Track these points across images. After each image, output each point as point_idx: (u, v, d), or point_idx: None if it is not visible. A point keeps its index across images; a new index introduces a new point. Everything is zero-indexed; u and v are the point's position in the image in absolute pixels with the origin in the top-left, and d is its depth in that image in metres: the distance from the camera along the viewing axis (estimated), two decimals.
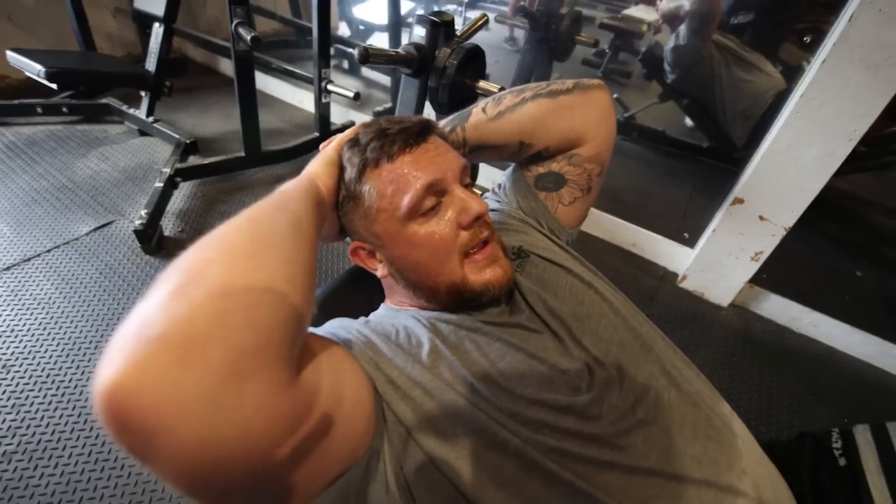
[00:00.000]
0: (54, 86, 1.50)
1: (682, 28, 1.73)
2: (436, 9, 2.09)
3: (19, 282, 1.25)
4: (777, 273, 1.40)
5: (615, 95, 2.17)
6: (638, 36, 2.24)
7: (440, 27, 1.07)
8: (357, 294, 0.67)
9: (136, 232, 1.35)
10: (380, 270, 0.57)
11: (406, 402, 0.44)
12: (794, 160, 1.18)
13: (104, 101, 2.02)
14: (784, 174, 1.21)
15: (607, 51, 2.42)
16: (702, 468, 0.45)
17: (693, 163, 2.00)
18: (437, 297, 0.54)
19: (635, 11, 2.27)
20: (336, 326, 0.51)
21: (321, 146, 0.57)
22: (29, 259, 1.33)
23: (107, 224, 1.48)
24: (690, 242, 1.53)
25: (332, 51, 1.78)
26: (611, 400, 0.47)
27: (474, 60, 1.10)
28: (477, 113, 0.63)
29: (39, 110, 1.93)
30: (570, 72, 2.45)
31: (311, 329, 0.49)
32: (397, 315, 0.55)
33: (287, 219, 0.39)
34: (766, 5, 1.66)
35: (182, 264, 0.31)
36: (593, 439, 0.44)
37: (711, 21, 1.69)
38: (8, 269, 1.29)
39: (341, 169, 0.54)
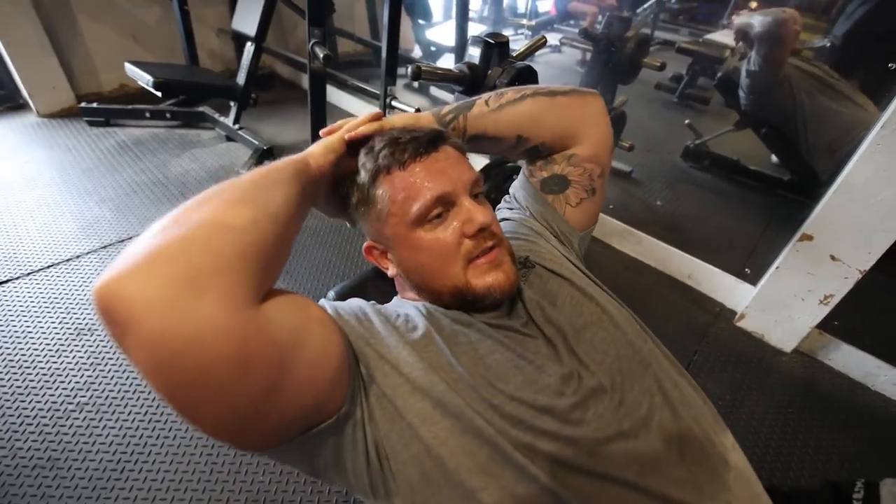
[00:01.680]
0: (159, 93, 1.74)
1: (753, 53, 1.66)
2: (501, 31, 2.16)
3: (113, 259, 1.45)
4: (851, 321, 1.28)
5: (686, 121, 2.09)
6: (719, 61, 2.17)
7: (494, 47, 1.12)
8: (369, 292, 0.72)
9: None
10: (391, 269, 0.61)
11: (393, 378, 0.47)
12: (872, 196, 1.09)
13: (201, 109, 2.30)
14: (860, 212, 1.11)
15: (684, 75, 2.36)
16: (681, 491, 0.45)
17: (771, 197, 1.88)
18: (442, 300, 0.57)
19: (718, 36, 2.20)
20: (342, 302, 0.56)
21: (322, 132, 0.61)
22: (123, 240, 1.55)
23: None
24: (752, 279, 1.44)
25: (402, 70, 1.91)
26: (598, 409, 0.48)
27: (526, 80, 1.14)
28: (480, 104, 0.66)
29: (147, 115, 2.24)
30: (641, 95, 2.40)
31: (323, 302, 0.55)
32: (404, 304, 0.59)
33: (266, 182, 0.46)
34: (861, 29, 1.55)
35: (171, 213, 0.39)
36: (570, 442, 0.45)
37: (781, 46, 1.60)
38: (105, 247, 1.52)
39: (354, 172, 0.58)
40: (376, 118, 0.61)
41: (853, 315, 1.25)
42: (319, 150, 0.56)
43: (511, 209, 0.75)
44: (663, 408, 0.50)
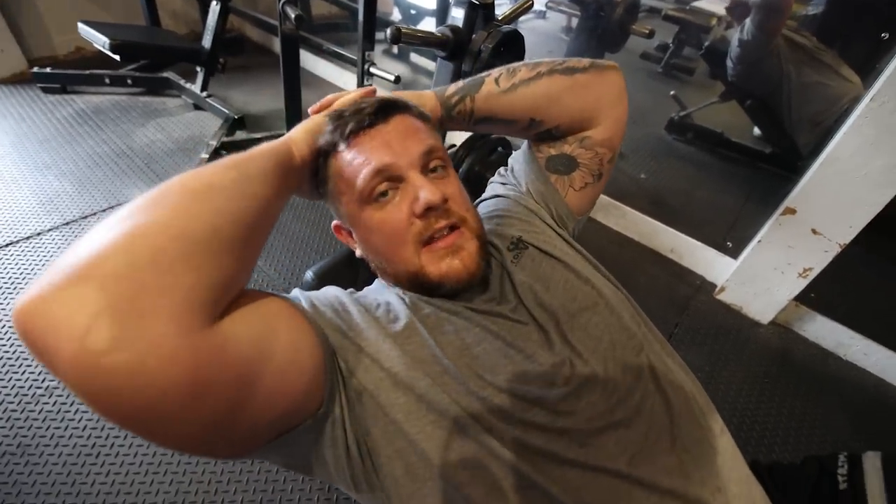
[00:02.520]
0: (117, 57, 1.63)
1: (748, 21, 1.64)
2: None
3: (76, 236, 1.39)
4: (827, 293, 1.31)
5: (672, 92, 2.08)
6: (705, 30, 2.13)
7: (478, 9, 1.06)
8: (352, 271, 0.69)
9: None
10: (357, 250, 0.59)
11: (374, 372, 0.45)
12: (857, 170, 1.10)
13: (165, 75, 2.17)
14: (844, 185, 1.13)
15: (671, 45, 2.32)
16: (671, 479, 0.44)
17: (752, 170, 1.89)
18: (402, 284, 0.55)
19: (706, 4, 2.16)
20: (318, 292, 0.53)
21: (310, 110, 0.58)
22: (87, 216, 1.48)
23: None
24: (733, 252, 1.46)
25: (381, 35, 1.83)
26: (590, 398, 0.47)
27: (512, 45, 1.09)
28: (489, 83, 0.62)
29: (107, 81, 2.10)
30: (626, 64, 2.35)
31: (297, 293, 0.51)
32: (384, 291, 0.56)
33: (232, 175, 0.41)
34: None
35: (120, 209, 0.34)
36: (561, 434, 0.44)
37: (779, 15, 1.58)
38: (68, 223, 1.44)
39: None
40: (369, 95, 0.57)
41: (829, 287, 1.28)
42: (302, 135, 0.53)
43: (505, 184, 0.71)
44: (655, 394, 0.49)
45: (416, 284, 0.53)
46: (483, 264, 0.54)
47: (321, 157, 0.54)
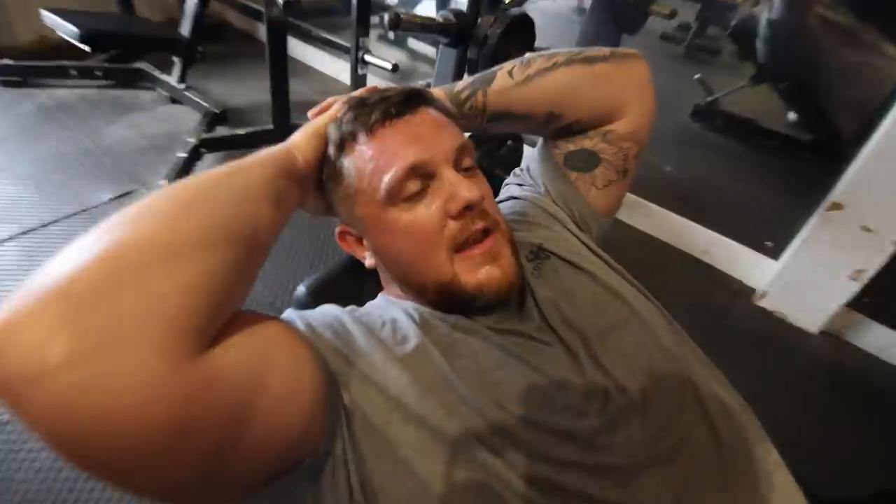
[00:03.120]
0: (88, 48, 1.60)
1: None
2: None
3: (36, 246, 1.35)
4: (885, 298, 1.27)
5: (697, 75, 2.05)
6: (731, 7, 2.11)
7: None
8: (355, 285, 0.66)
9: None
10: (367, 259, 0.57)
11: (380, 403, 0.43)
12: None
13: (138, 65, 2.15)
14: None
15: (692, 24, 2.30)
16: None
17: (790, 160, 1.86)
18: (427, 297, 0.52)
19: None
20: (314, 312, 0.51)
21: (310, 113, 0.56)
22: (48, 224, 1.43)
23: (127, 193, 1.57)
24: (774, 253, 1.43)
25: (376, 20, 1.80)
26: (628, 430, 0.45)
27: (522, 30, 1.07)
28: (502, 76, 0.62)
29: (74, 73, 2.07)
30: (646, 47, 2.33)
31: (291, 314, 0.49)
32: (390, 307, 0.54)
33: (232, 184, 0.40)
34: None
35: (104, 221, 0.33)
36: (597, 472, 0.42)
37: None
38: (26, 232, 1.40)
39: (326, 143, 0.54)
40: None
41: (886, 291, 1.23)
42: (307, 139, 0.51)
43: (521, 185, 0.70)
44: (702, 424, 0.48)
45: (446, 296, 0.51)
46: (521, 274, 0.53)
47: (336, 149, 0.52)
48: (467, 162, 0.53)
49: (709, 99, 1.99)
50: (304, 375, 0.40)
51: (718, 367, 0.55)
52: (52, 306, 0.28)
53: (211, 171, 0.41)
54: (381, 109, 0.50)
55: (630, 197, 1.65)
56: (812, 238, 1.27)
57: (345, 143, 0.51)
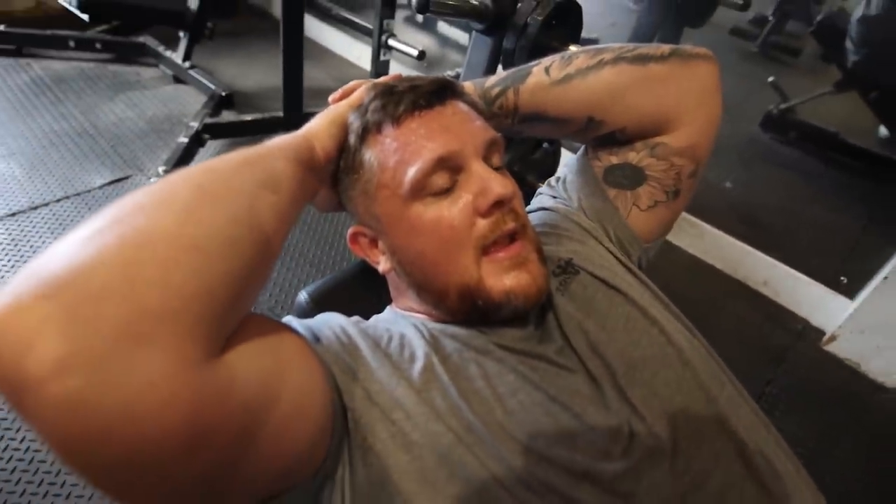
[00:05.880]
0: (86, 17, 1.69)
1: None
2: None
3: (22, 231, 1.43)
4: None
5: (770, 78, 2.03)
6: (818, 0, 2.09)
7: None
8: (360, 294, 0.68)
9: None
10: (382, 264, 0.58)
11: (383, 424, 0.44)
12: None
13: (141, 39, 2.24)
14: None
15: (770, 18, 2.29)
16: None
17: (877, 182, 1.84)
18: (446, 303, 0.54)
19: None
20: (317, 320, 0.53)
21: (331, 98, 0.58)
22: (37, 207, 1.51)
23: (123, 178, 1.64)
24: (849, 291, 1.42)
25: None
26: (654, 476, 0.45)
27: (567, 18, 1.08)
28: (538, 73, 0.62)
29: (72, 44, 2.17)
30: (712, 43, 2.31)
31: (291, 321, 0.51)
32: (398, 321, 0.56)
33: (253, 175, 0.41)
34: None
35: (112, 207, 0.34)
36: None
37: None
38: (13, 214, 1.48)
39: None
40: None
41: None
42: (326, 127, 0.53)
43: (555, 197, 0.70)
44: (746, 481, 0.47)
45: (469, 302, 0.52)
46: (549, 282, 0.54)
47: (357, 139, 0.54)
48: (496, 160, 0.54)
49: (783, 106, 1.98)
50: (313, 387, 0.42)
51: (776, 419, 0.54)
52: (64, 294, 0.28)
53: (224, 156, 0.42)
54: (410, 99, 0.52)
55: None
56: None
57: (368, 133, 0.53)
